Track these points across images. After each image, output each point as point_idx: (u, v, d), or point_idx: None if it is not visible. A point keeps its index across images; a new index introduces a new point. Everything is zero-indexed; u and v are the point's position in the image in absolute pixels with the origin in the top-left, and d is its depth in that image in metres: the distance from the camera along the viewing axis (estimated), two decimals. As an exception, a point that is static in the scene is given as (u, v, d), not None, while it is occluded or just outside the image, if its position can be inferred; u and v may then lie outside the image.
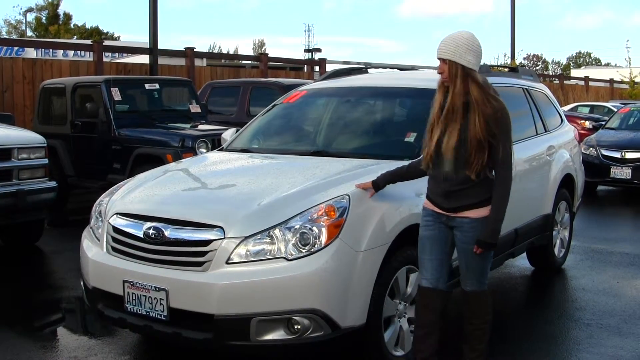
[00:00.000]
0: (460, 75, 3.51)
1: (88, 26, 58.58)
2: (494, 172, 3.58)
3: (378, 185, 3.90)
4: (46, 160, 7.28)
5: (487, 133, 3.47)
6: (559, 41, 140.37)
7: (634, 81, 29.73)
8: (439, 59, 3.58)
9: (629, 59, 31.29)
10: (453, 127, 3.52)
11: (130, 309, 3.89)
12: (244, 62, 28.53)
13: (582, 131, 15.39)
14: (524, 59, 73.13)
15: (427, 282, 3.75)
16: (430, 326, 3.74)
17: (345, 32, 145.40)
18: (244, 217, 3.75)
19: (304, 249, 3.64)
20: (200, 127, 9.18)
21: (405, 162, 4.07)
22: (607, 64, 73.75)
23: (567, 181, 6.57)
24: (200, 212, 3.89)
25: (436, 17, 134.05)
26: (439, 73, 3.61)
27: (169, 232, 3.81)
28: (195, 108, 9.97)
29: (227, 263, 3.64)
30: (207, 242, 3.70)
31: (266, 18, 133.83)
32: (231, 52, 67.41)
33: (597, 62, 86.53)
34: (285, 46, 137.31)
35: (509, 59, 25.70)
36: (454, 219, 3.66)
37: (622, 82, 30.76)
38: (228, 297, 3.60)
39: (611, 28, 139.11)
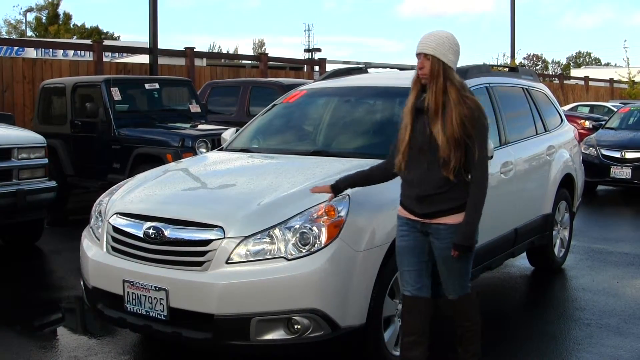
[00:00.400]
0: (442, 73, 3.43)
1: (88, 26, 58.62)
2: (470, 175, 3.47)
3: (338, 188, 3.75)
4: (46, 160, 7.28)
5: (464, 132, 3.37)
6: (558, 41, 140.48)
7: (633, 81, 29.75)
8: (421, 53, 3.46)
9: (627, 59, 31.34)
10: (430, 126, 3.43)
11: (130, 308, 3.89)
12: (243, 61, 28.52)
13: (582, 131, 15.39)
14: (524, 58, 73.18)
15: (408, 292, 3.68)
16: (417, 334, 3.65)
17: (345, 31, 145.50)
18: (244, 217, 3.75)
19: (303, 248, 3.64)
20: (200, 126, 9.18)
21: None
22: (607, 64, 73.76)
23: (567, 181, 6.57)
24: (200, 212, 3.89)
25: (436, 17, 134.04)
26: (419, 68, 3.48)
27: (169, 232, 3.81)
28: (195, 108, 9.97)
29: (227, 263, 3.65)
30: (207, 242, 3.70)
31: (266, 18, 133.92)
32: (231, 52, 67.42)
33: (597, 62, 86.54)
34: (285, 46, 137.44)
35: (509, 58, 25.69)
36: (429, 226, 3.54)
37: (620, 82, 30.80)
38: (228, 296, 3.60)
39: (611, 28, 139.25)
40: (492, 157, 4.44)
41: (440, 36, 3.48)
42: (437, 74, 3.43)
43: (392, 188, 4.00)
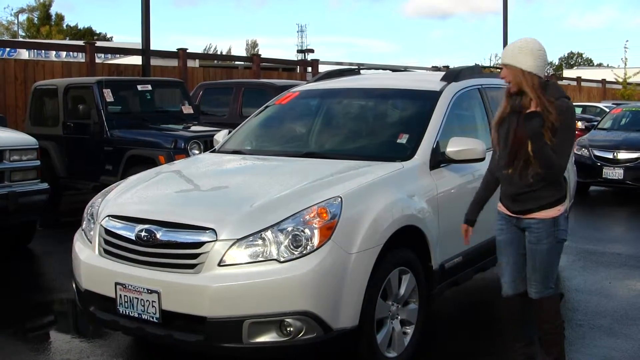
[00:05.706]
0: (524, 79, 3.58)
1: (80, 27, 58.52)
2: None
3: (472, 221, 4.05)
4: (38, 162, 7.26)
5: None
6: (551, 41, 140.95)
7: (626, 82, 29.83)
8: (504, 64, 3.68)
9: (625, 59, 31.23)
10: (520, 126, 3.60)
11: (123, 311, 3.88)
12: (236, 62, 28.49)
13: (574, 131, 15.39)
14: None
15: (507, 287, 3.90)
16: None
17: (338, 32, 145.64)
18: (236, 219, 3.74)
19: (296, 251, 3.63)
20: (193, 128, 9.18)
21: (399, 163, 4.25)
22: (600, 65, 73.99)
23: (559, 182, 6.57)
24: (193, 214, 3.88)
25: (431, 18, 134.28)
26: (502, 77, 3.73)
27: (161, 234, 3.80)
28: (187, 109, 9.97)
29: (219, 265, 3.64)
30: (199, 244, 3.69)
31: (260, 19, 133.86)
32: (224, 52, 67.36)
33: (589, 63, 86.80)
34: (278, 47, 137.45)
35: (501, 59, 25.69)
36: (522, 221, 3.76)
37: (616, 82, 30.80)
38: (220, 299, 3.59)
39: (603, 29, 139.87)
40: (484, 158, 4.47)
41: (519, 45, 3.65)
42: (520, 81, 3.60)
43: (384, 191, 4.01)
